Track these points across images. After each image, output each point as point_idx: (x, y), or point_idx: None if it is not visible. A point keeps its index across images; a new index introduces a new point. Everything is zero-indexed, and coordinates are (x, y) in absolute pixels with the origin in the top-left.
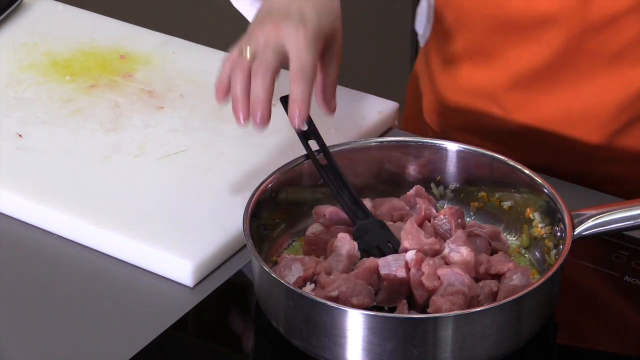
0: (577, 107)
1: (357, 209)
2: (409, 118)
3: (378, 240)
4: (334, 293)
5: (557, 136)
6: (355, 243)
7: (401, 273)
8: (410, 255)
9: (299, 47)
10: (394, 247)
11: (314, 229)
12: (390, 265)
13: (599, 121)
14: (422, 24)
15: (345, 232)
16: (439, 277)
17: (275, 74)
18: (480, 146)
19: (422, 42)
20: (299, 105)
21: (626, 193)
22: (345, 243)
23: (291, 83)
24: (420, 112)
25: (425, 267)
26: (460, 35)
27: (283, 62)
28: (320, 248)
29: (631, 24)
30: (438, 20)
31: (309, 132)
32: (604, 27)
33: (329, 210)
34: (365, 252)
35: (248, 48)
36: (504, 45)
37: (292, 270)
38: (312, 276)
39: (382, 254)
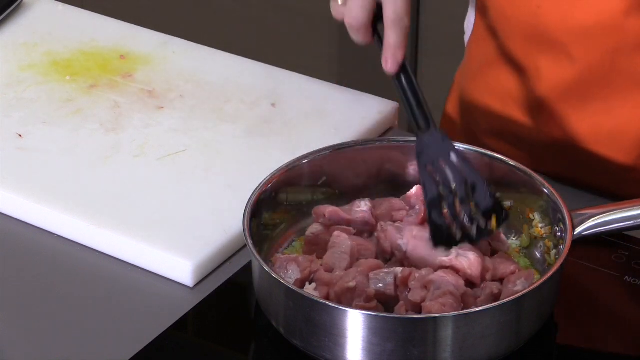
0: (607, 126)
1: (421, 117)
2: (448, 122)
3: (440, 154)
4: (352, 284)
5: (584, 153)
6: (354, 243)
7: (390, 291)
8: (397, 271)
9: None
10: (460, 161)
11: (314, 229)
12: (380, 280)
13: (628, 142)
14: (470, 23)
15: (342, 231)
16: (425, 287)
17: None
18: (508, 153)
19: (466, 41)
20: (394, 51)
21: None
22: (344, 240)
23: (387, 28)
24: (460, 116)
25: (411, 283)
26: (498, 39)
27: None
28: (320, 248)
29: None
30: (478, 21)
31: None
32: (639, 47)
33: (328, 210)
34: (427, 168)
35: None
36: (537, 55)
37: (288, 271)
38: (310, 275)
39: (446, 171)
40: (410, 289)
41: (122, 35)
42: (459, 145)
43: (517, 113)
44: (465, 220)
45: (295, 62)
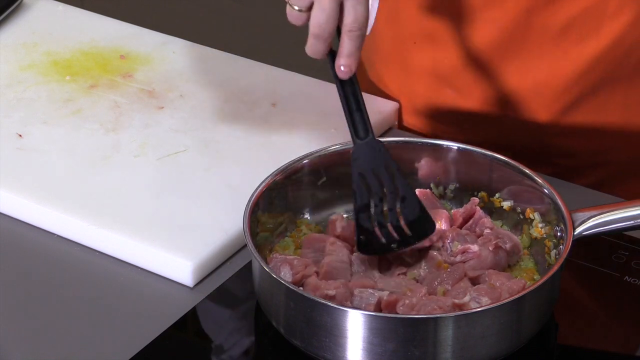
0: (527, 84)
1: (361, 126)
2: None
3: (375, 163)
4: (332, 292)
5: (510, 114)
6: (349, 252)
7: (370, 311)
8: (384, 294)
9: None
10: (394, 171)
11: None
12: (363, 300)
13: (549, 97)
14: (373, 5)
15: (342, 242)
16: (414, 309)
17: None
18: (435, 129)
19: (368, 29)
20: (348, 60)
21: (580, 166)
22: (341, 248)
23: (344, 36)
24: None
25: (399, 309)
26: (408, 19)
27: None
28: (315, 250)
29: None
30: (383, 3)
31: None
32: (550, 2)
33: (341, 225)
34: (360, 175)
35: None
36: (453, 26)
37: (280, 273)
38: (301, 280)
39: (379, 180)
40: (397, 312)
41: (122, 35)
42: (460, 146)
43: (437, 87)
44: (390, 228)
45: (295, 62)
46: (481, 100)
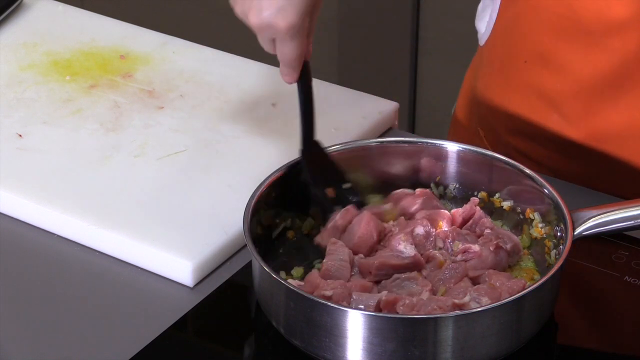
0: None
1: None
2: (459, 125)
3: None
4: (328, 292)
5: (617, 152)
6: (349, 251)
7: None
8: (382, 295)
9: (283, 37)
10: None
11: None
12: (361, 302)
13: None
14: (484, 20)
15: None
16: (414, 309)
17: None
18: (537, 153)
19: (481, 41)
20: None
21: None
22: (341, 247)
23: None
24: (475, 119)
25: (399, 309)
26: (524, 36)
27: None
28: None
29: None
30: (501, 17)
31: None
32: None
33: (377, 263)
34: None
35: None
36: (569, 50)
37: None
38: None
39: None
40: (397, 312)
41: (122, 35)
42: (460, 146)
43: (543, 110)
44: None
45: None
46: (587, 131)
